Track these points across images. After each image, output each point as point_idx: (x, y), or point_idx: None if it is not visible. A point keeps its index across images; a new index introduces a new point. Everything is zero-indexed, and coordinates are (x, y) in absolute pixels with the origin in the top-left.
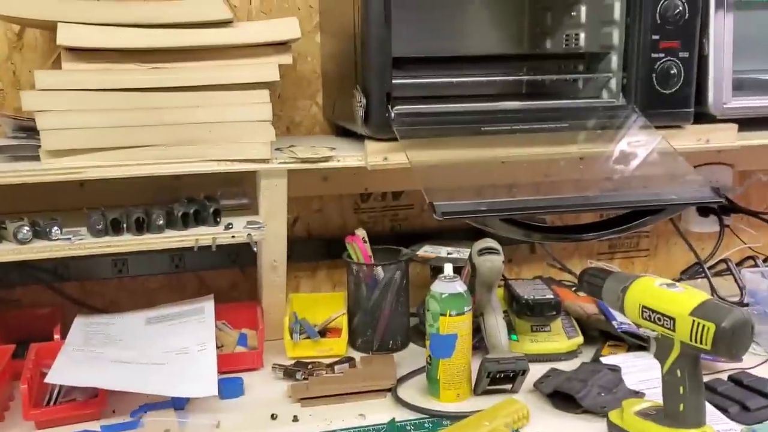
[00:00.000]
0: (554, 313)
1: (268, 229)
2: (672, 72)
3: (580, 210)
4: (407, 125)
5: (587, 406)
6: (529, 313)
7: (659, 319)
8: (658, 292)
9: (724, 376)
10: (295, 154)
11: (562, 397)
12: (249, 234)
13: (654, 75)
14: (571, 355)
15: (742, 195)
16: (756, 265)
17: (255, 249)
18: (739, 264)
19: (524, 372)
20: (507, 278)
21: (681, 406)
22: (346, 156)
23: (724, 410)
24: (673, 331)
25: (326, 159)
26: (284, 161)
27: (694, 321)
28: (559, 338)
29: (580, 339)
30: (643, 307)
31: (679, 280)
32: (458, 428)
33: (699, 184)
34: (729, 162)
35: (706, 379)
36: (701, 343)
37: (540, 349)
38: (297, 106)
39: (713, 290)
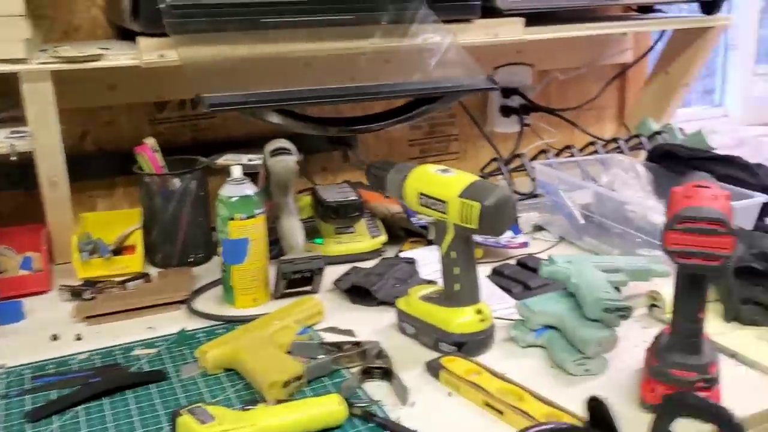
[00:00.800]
0: (357, 213)
1: (38, 140)
2: None
3: (358, 99)
4: (179, 17)
5: (382, 297)
6: (333, 215)
7: (434, 204)
8: (433, 178)
9: (514, 262)
10: (58, 53)
11: (360, 293)
12: (11, 144)
13: None
14: (375, 253)
15: (543, 94)
16: (547, 158)
17: (13, 158)
18: (536, 158)
19: (320, 270)
20: (315, 184)
21: (457, 286)
22: (118, 54)
23: (508, 291)
24: (446, 214)
25: (95, 58)
26: (45, 61)
27: (462, 202)
28: (363, 238)
29: (383, 238)
30: (420, 194)
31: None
32: (248, 328)
33: (477, 73)
34: (529, 62)
35: (496, 264)
36: (469, 222)
37: (345, 249)
38: (74, 9)
39: (510, 184)
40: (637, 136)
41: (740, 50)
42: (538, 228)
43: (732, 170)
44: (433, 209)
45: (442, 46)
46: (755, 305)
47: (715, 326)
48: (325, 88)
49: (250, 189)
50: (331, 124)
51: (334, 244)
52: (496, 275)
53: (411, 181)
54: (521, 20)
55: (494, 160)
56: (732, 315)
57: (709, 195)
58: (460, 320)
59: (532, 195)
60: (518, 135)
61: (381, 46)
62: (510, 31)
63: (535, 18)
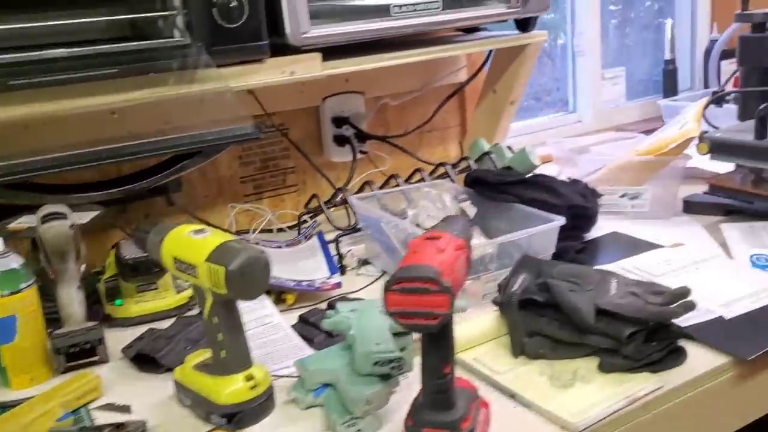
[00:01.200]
0: (158, 269)
1: None
2: (232, 5)
3: (101, 163)
4: None
5: (168, 363)
6: (133, 273)
7: (187, 269)
8: (186, 240)
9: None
10: None
11: (147, 359)
12: None
13: (214, 9)
14: (183, 309)
15: (382, 120)
16: (371, 190)
17: None
18: (363, 189)
19: (100, 341)
20: (130, 236)
21: (223, 353)
22: None
23: (310, 340)
24: (198, 278)
25: None
26: None
27: (210, 267)
28: (167, 294)
29: (190, 291)
30: (174, 258)
31: (307, 213)
32: (6, 418)
33: (244, 120)
34: (360, 90)
35: (306, 309)
36: (218, 287)
37: (146, 309)
38: None
39: (330, 219)
40: (466, 158)
41: (587, 56)
42: (365, 262)
43: (537, 193)
44: (188, 274)
45: (211, 93)
46: (541, 337)
47: (503, 363)
48: (71, 154)
49: (15, 261)
50: (70, 191)
51: (133, 305)
52: (302, 323)
53: (167, 244)
54: (318, 55)
55: (314, 196)
56: (519, 349)
57: (433, 249)
58: (229, 390)
59: (355, 229)
60: (351, 165)
61: (148, 96)
62: (307, 67)
63: (331, 50)
